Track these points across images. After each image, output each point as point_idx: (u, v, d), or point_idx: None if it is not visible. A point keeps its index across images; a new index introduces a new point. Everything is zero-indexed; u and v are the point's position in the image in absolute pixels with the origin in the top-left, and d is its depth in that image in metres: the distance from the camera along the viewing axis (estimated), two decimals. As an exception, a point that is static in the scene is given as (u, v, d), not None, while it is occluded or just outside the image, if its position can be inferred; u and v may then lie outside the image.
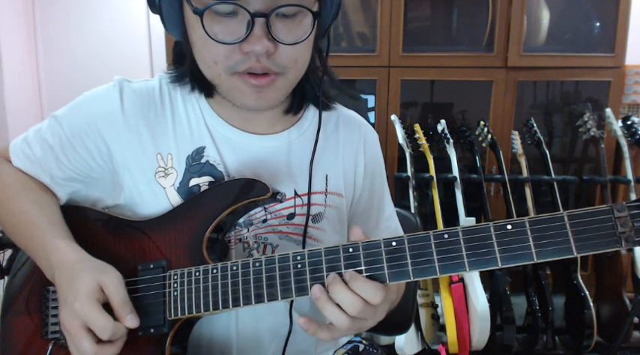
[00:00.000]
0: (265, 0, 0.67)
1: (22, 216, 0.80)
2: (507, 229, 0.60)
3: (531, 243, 0.58)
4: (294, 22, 0.70)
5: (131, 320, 0.69)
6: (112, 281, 0.70)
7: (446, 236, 0.62)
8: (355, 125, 0.96)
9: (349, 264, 0.65)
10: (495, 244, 0.60)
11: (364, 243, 0.65)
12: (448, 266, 0.61)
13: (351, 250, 0.65)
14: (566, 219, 0.58)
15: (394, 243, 0.64)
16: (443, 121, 2.38)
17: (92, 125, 0.81)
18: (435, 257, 0.62)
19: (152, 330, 0.73)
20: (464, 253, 0.61)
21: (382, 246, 0.64)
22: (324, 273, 0.66)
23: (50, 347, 0.78)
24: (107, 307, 0.69)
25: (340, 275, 0.65)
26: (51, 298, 0.81)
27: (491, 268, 0.60)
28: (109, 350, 0.68)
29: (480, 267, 0.60)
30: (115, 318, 0.68)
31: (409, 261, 0.63)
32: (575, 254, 0.57)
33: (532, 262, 0.58)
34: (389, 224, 0.99)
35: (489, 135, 2.35)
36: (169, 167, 0.82)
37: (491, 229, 0.60)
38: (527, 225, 0.59)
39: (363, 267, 0.64)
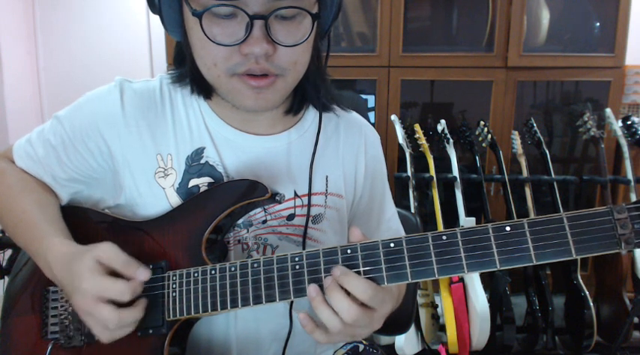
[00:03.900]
0: (264, 2, 0.67)
1: (23, 215, 0.80)
2: (506, 231, 0.59)
3: (530, 245, 0.58)
4: (293, 23, 0.70)
5: (142, 273, 0.69)
6: (107, 250, 0.69)
7: (444, 237, 0.61)
8: (356, 126, 0.96)
9: (347, 265, 0.64)
10: (494, 246, 0.60)
11: (362, 244, 0.65)
12: (446, 268, 0.61)
13: (349, 251, 0.65)
14: (565, 220, 0.57)
15: (392, 244, 0.63)
16: (443, 121, 2.38)
17: (93, 125, 0.82)
18: (434, 258, 0.61)
19: (151, 331, 0.73)
20: (462, 255, 0.61)
21: (380, 248, 0.64)
22: (322, 275, 0.65)
23: (50, 348, 0.78)
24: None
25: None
26: (51, 298, 0.82)
27: (490, 270, 0.60)
28: (131, 314, 0.68)
29: (479, 269, 0.60)
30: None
31: (407, 262, 0.62)
32: (575, 256, 0.57)
33: (531, 264, 0.58)
34: (390, 225, 0.99)
35: (489, 135, 2.35)
36: (169, 167, 0.82)
37: (490, 231, 0.60)
38: (526, 226, 0.59)
39: (361, 268, 0.64)
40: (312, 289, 0.65)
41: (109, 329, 0.68)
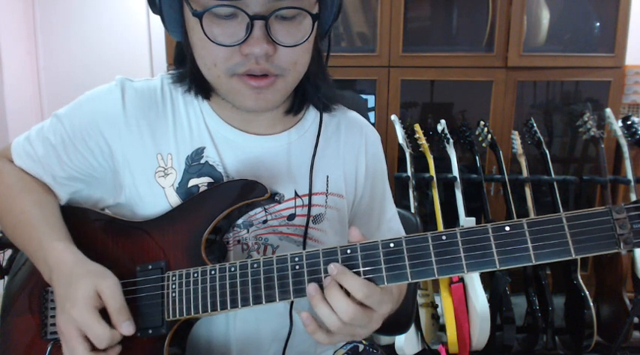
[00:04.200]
0: (264, 2, 0.67)
1: (22, 216, 0.80)
2: (505, 231, 0.59)
3: (529, 245, 0.58)
4: (294, 24, 0.70)
5: (127, 328, 0.69)
6: (109, 287, 0.70)
7: (444, 237, 0.61)
8: (357, 126, 0.95)
9: (347, 266, 0.64)
10: (493, 246, 0.60)
11: (362, 244, 0.65)
12: (446, 268, 0.61)
13: (349, 251, 0.65)
14: (564, 220, 0.57)
15: (392, 245, 0.63)
16: (443, 121, 2.38)
17: (94, 124, 0.81)
18: (433, 258, 0.61)
19: (150, 331, 0.73)
20: (462, 255, 0.61)
21: (380, 248, 0.64)
22: (322, 275, 0.65)
23: (49, 348, 0.78)
24: (104, 313, 0.69)
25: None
26: (50, 299, 0.81)
27: (490, 270, 0.60)
28: None
29: (478, 269, 0.60)
30: (111, 324, 0.69)
31: (407, 262, 0.62)
32: (574, 256, 0.57)
33: (530, 264, 0.58)
34: (391, 225, 0.99)
35: (489, 135, 2.35)
36: (169, 167, 0.82)
37: (490, 231, 0.60)
38: (526, 226, 0.59)
39: (361, 269, 0.64)
40: (311, 288, 0.65)
41: None
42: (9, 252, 1.71)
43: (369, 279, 0.64)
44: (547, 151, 2.33)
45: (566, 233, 0.57)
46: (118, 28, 2.82)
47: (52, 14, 2.84)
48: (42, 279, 0.77)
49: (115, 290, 0.70)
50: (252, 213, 0.83)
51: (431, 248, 0.62)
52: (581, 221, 0.57)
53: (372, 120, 2.55)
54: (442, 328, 2.18)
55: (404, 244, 0.63)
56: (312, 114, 0.91)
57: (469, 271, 0.60)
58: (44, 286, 0.82)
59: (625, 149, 2.30)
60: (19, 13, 2.77)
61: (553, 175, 2.31)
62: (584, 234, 0.56)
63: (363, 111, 2.59)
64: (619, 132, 2.33)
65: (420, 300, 2.17)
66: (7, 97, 2.65)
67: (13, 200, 0.82)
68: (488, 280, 2.25)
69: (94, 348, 0.68)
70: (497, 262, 0.59)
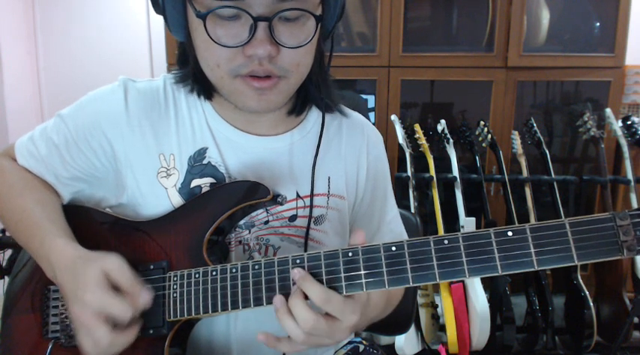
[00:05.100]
0: (268, 4, 0.67)
1: (24, 214, 0.80)
2: (508, 236, 0.59)
3: (532, 251, 0.58)
4: (297, 25, 0.70)
5: (145, 296, 0.69)
6: (115, 264, 0.69)
7: (446, 241, 0.61)
8: (358, 127, 0.95)
9: (348, 268, 0.64)
10: (496, 251, 0.59)
11: (364, 248, 0.65)
12: (448, 273, 0.61)
13: (350, 254, 0.65)
14: (567, 226, 0.57)
15: (394, 248, 0.63)
16: (443, 121, 2.38)
17: (96, 125, 0.82)
18: (435, 263, 0.61)
19: (151, 331, 0.73)
20: (464, 259, 0.60)
21: (382, 251, 0.64)
22: (324, 277, 0.65)
23: (50, 347, 0.79)
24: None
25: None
26: (52, 297, 0.82)
27: (492, 275, 0.59)
28: (124, 338, 0.68)
29: (480, 274, 0.60)
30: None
31: (408, 266, 0.62)
32: (577, 262, 0.56)
33: (532, 269, 0.58)
34: (392, 227, 0.98)
35: (489, 135, 2.35)
36: (171, 167, 0.82)
37: (492, 235, 0.59)
38: (528, 231, 0.58)
39: (362, 272, 0.64)
40: (277, 300, 0.65)
41: (98, 347, 0.67)
42: (9, 252, 1.72)
43: (369, 282, 0.64)
44: (547, 151, 2.33)
45: (569, 239, 0.57)
46: (118, 28, 2.82)
47: (52, 14, 2.84)
48: (44, 278, 0.77)
49: (122, 266, 0.69)
50: (253, 214, 0.83)
51: (433, 252, 0.61)
52: (584, 227, 0.56)
53: (372, 121, 2.56)
54: (442, 328, 2.18)
55: (406, 248, 0.63)
56: (314, 115, 0.91)
57: (471, 276, 0.60)
58: (46, 284, 0.82)
59: (625, 149, 2.30)
60: (19, 13, 2.77)
61: (553, 175, 2.31)
62: (587, 240, 0.56)
63: (363, 111, 2.59)
64: (619, 132, 2.33)
65: (420, 300, 2.17)
66: (7, 97, 2.65)
67: (15, 198, 0.82)
68: (488, 280, 2.25)
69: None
70: (499, 267, 0.59)
